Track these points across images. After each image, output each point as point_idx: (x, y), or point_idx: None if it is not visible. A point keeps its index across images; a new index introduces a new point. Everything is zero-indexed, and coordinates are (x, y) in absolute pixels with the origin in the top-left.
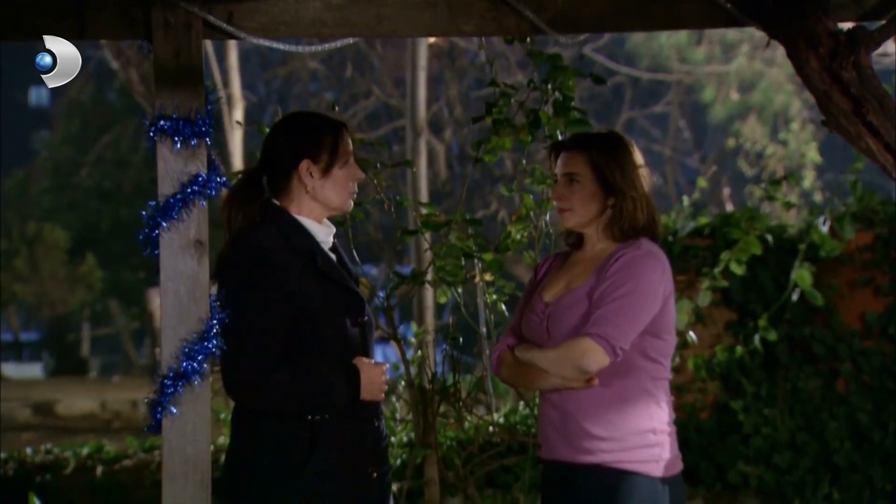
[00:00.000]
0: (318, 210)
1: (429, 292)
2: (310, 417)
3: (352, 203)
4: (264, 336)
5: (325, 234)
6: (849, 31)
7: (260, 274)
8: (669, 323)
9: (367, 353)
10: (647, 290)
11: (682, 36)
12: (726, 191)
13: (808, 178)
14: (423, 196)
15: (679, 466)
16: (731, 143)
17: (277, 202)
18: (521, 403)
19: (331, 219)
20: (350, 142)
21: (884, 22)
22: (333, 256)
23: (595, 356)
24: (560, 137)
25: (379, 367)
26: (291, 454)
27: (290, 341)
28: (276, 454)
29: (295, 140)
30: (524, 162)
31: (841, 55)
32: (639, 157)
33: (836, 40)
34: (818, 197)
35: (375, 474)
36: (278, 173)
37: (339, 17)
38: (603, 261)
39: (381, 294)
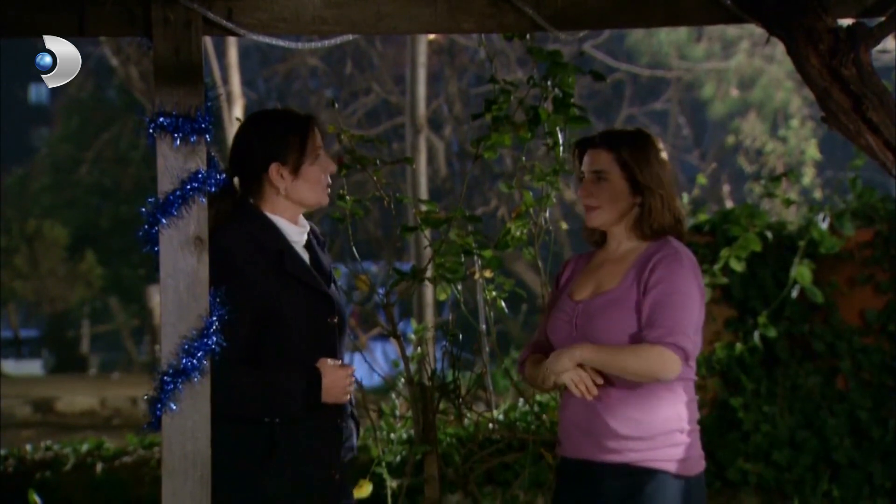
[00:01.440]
0: (292, 209)
1: (429, 289)
2: (267, 420)
3: (327, 197)
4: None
5: (297, 234)
6: (848, 27)
7: (223, 274)
8: (699, 324)
9: (335, 354)
10: (696, 293)
11: (681, 33)
12: (726, 187)
13: (808, 175)
14: (423, 193)
15: (702, 465)
16: (730, 139)
17: (252, 200)
18: (521, 400)
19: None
20: (319, 135)
21: (884, 18)
22: (306, 255)
23: (674, 366)
24: (560, 135)
25: (344, 369)
26: (251, 457)
27: (253, 341)
28: (236, 457)
29: (262, 143)
30: (524, 159)
31: (841, 52)
32: (665, 157)
33: (836, 37)
34: (818, 194)
35: (338, 476)
36: (248, 176)
37: (338, 14)
38: (636, 261)
39: (381, 291)
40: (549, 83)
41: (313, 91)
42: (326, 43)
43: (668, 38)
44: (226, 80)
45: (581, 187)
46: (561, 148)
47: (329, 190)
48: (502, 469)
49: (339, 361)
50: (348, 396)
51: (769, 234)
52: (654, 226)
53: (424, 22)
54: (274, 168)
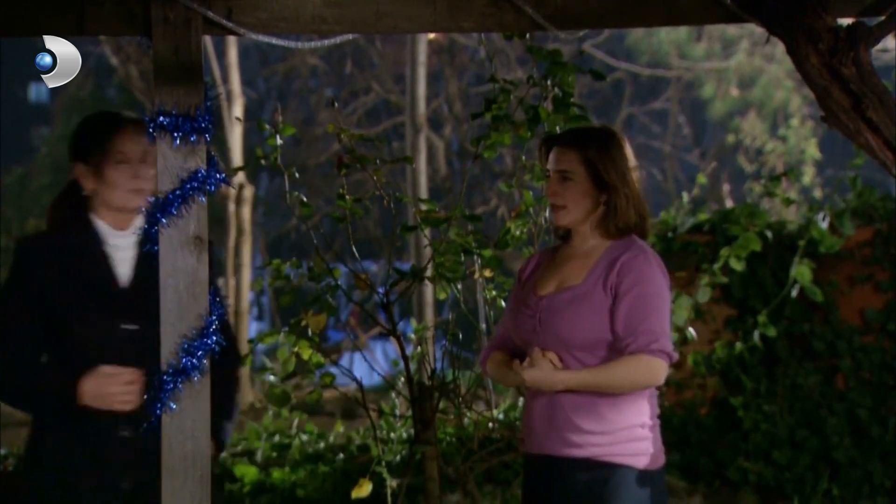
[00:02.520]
0: (108, 211)
1: (428, 289)
2: (36, 422)
3: (137, 202)
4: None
5: (117, 237)
6: (848, 26)
7: (13, 274)
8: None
9: (127, 361)
10: (666, 292)
11: (681, 32)
12: (726, 187)
13: (808, 175)
14: (423, 192)
15: (663, 459)
16: (730, 139)
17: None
18: (521, 399)
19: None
20: (134, 141)
21: (883, 18)
22: (129, 261)
23: (662, 372)
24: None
25: (118, 377)
26: (25, 458)
27: (38, 341)
28: (23, 458)
29: (72, 142)
30: (524, 158)
31: (840, 51)
32: (631, 154)
33: (836, 36)
34: (818, 193)
35: (94, 486)
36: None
37: (338, 13)
38: (600, 259)
39: (381, 290)
40: (548, 82)
41: (313, 90)
42: (326, 42)
43: (669, 37)
44: (226, 79)
45: (547, 186)
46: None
47: (141, 197)
48: (502, 468)
49: (122, 369)
50: (126, 405)
51: (769, 234)
52: (619, 224)
53: (424, 21)
54: (78, 168)
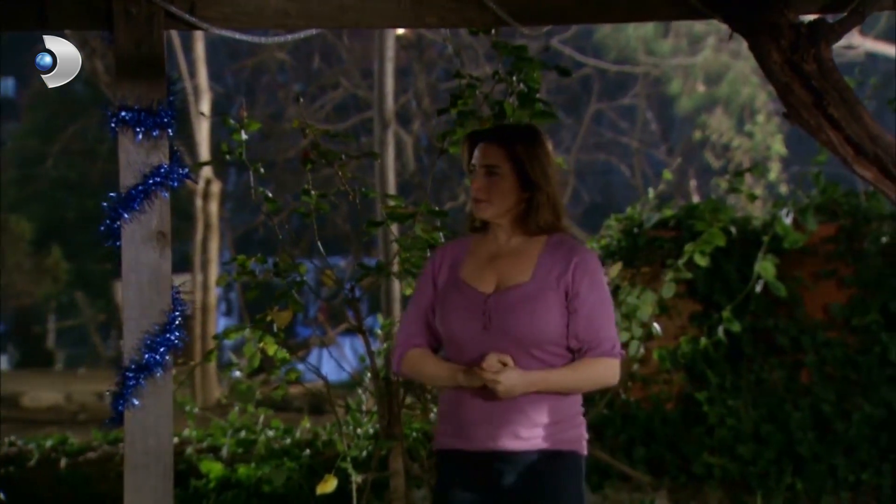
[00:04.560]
0: None
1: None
2: None
3: None
4: None
5: None
6: (810, 23)
7: None
8: None
9: None
10: (609, 292)
11: (648, 28)
12: (693, 183)
13: (774, 170)
14: (391, 187)
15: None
16: (697, 135)
17: None
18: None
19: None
20: None
21: (844, 14)
22: None
23: (618, 371)
24: None
25: None
26: None
27: None
28: None
29: None
30: None
31: (802, 48)
32: (552, 152)
33: (798, 33)
34: (784, 189)
35: None
36: None
37: (301, 7)
38: (542, 257)
39: (348, 286)
40: (514, 78)
41: (282, 85)
42: (290, 37)
43: (636, 33)
44: (193, 74)
45: (473, 180)
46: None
47: None
48: None
49: None
50: None
51: (733, 230)
52: (539, 222)
53: (387, 16)
54: None
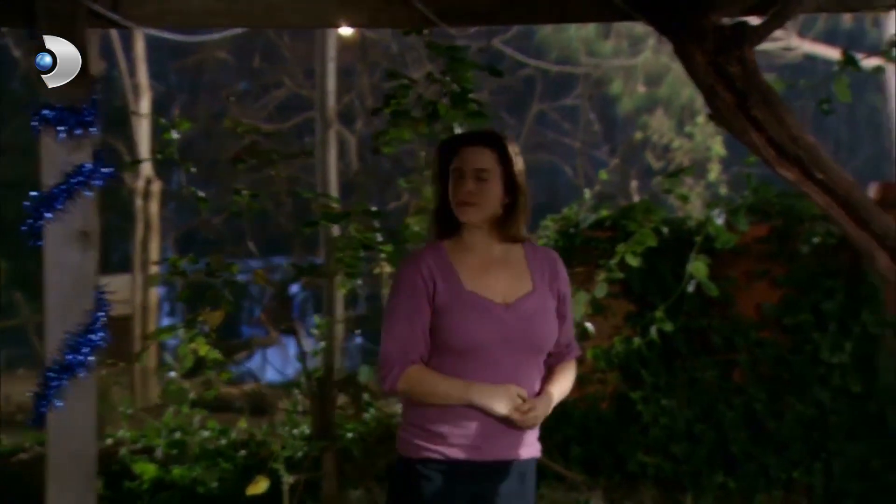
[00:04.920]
0: None
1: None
2: None
3: None
4: None
5: None
6: (733, 25)
7: None
8: None
9: None
10: None
11: (590, 29)
12: (634, 183)
13: (714, 171)
14: (333, 187)
15: None
16: (638, 135)
17: None
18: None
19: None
20: None
21: (767, 17)
22: None
23: None
24: (457, 130)
25: None
26: None
27: None
28: None
29: None
30: (423, 154)
31: (726, 50)
32: None
33: (721, 35)
34: (724, 189)
35: None
36: None
37: (228, 6)
38: (532, 264)
39: (295, 287)
40: (448, 79)
41: (225, 84)
42: (217, 36)
43: (578, 34)
44: (132, 72)
45: (461, 184)
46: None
47: None
48: None
49: None
50: None
51: (665, 230)
52: (518, 227)
53: (315, 16)
54: None
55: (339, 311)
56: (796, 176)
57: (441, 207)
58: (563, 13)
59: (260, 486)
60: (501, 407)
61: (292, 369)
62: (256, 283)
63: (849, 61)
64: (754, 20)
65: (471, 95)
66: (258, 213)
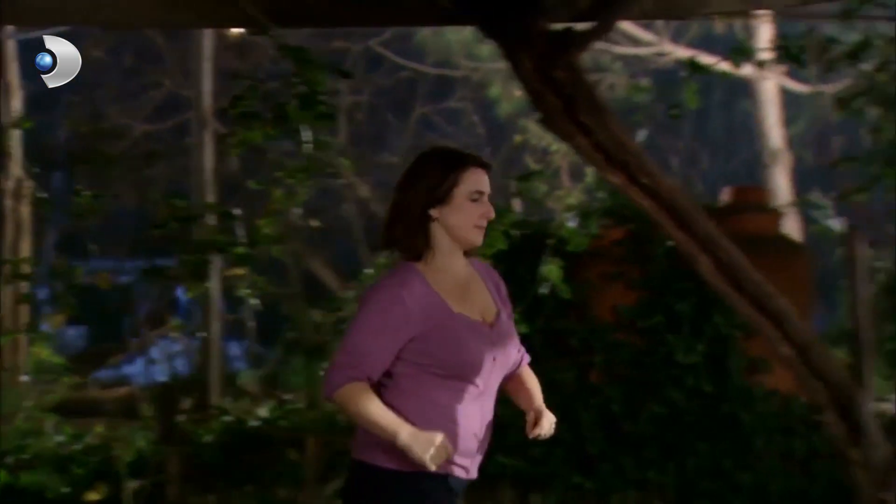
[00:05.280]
0: None
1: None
2: None
3: None
4: None
5: None
6: (560, 31)
7: None
8: None
9: None
10: None
11: (467, 32)
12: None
13: (591, 175)
14: (209, 188)
15: None
16: (518, 138)
17: None
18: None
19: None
20: None
21: (595, 23)
22: None
23: None
24: (304, 131)
25: None
26: None
27: None
28: None
29: None
30: (267, 155)
31: (553, 55)
32: None
33: (549, 41)
34: (602, 194)
35: None
36: None
37: (55, 2)
38: (486, 283)
39: (180, 291)
40: (296, 80)
41: (100, 84)
42: (42, 34)
43: (455, 37)
44: (1, 72)
45: (484, 207)
46: (310, 145)
47: None
48: (261, 468)
49: None
50: None
51: (516, 233)
52: (475, 249)
53: (143, 15)
54: None
55: (214, 311)
56: (622, 180)
57: (421, 222)
58: (394, 16)
59: (97, 491)
60: (426, 455)
61: (129, 374)
62: (100, 286)
63: (695, 68)
64: (582, 26)
65: (323, 97)
66: (137, 214)
